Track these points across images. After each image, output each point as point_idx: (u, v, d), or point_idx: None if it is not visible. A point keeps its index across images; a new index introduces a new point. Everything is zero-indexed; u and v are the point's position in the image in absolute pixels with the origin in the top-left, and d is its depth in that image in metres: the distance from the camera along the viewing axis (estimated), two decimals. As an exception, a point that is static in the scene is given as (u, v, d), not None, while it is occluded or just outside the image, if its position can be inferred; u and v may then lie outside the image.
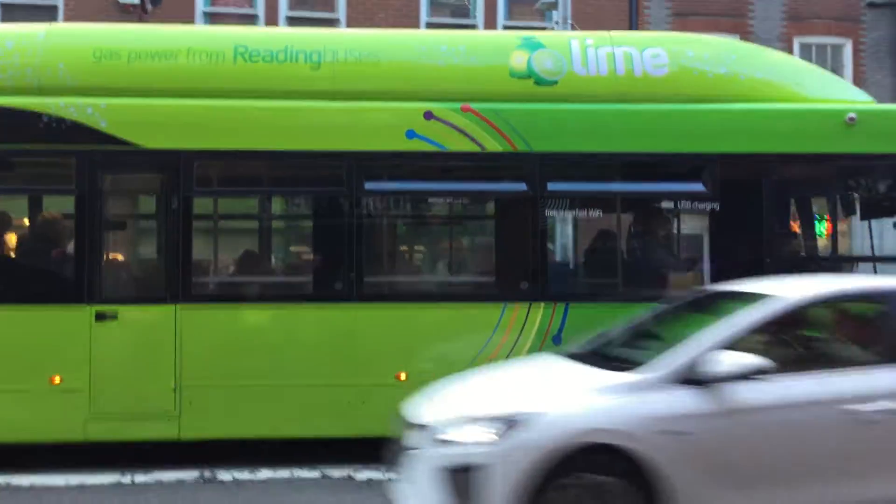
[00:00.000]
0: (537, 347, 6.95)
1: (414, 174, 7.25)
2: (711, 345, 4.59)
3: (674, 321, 5.65)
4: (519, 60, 7.34)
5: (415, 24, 14.16)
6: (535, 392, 4.77)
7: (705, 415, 4.40)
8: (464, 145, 7.02)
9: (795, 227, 7.84)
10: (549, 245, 7.30)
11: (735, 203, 7.17)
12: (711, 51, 7.63)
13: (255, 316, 6.95)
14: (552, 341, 7.00)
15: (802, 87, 7.66)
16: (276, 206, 8.06)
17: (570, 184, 7.27)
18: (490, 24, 14.35)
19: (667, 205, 7.40)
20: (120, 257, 7.44)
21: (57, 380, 6.66)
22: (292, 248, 8.36)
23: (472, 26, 14.33)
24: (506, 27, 14.07)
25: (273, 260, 8.13)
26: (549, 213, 7.22)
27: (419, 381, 6.68)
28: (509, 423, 4.40)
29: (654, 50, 7.49)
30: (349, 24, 13.68)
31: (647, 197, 7.46)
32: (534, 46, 7.43)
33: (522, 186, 7.16)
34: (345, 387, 6.86)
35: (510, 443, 4.35)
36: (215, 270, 7.36)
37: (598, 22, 12.95)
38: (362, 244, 6.98)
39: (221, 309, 6.90)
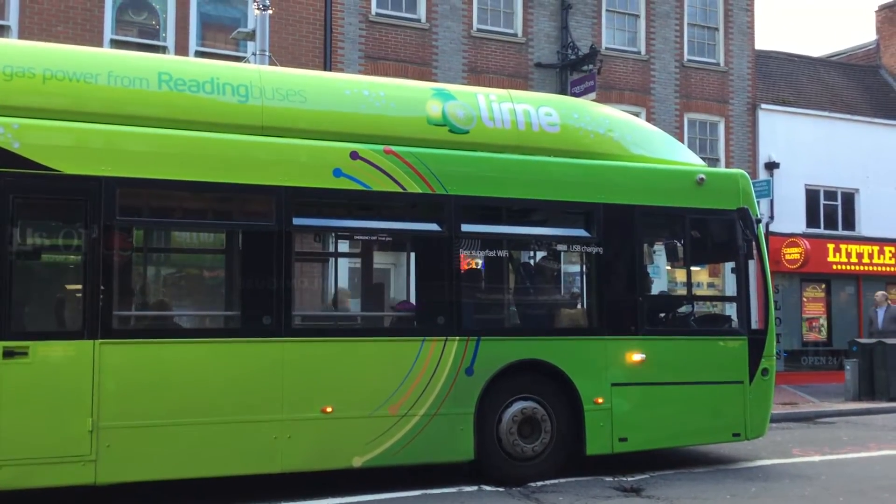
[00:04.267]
0: (452, 379, 7.40)
1: (340, 211, 7.43)
2: None
3: None
4: (435, 109, 7.84)
5: (98, 40, 13.46)
6: None
7: None
8: (387, 185, 7.36)
9: (659, 269, 9.00)
10: (463, 282, 7.77)
11: (613, 246, 8.15)
12: (591, 114, 8.64)
13: (178, 351, 6.71)
14: (465, 373, 7.48)
15: (655, 148, 8.89)
16: (202, 238, 7.80)
17: (480, 226, 7.86)
18: (181, 47, 14.13)
19: (560, 247, 8.23)
20: (34, 289, 6.82)
21: (-44, 424, 5.99)
22: (218, 282, 8.10)
23: (163, 48, 13.98)
24: (198, 53, 14.07)
25: (198, 293, 7.83)
26: (463, 251, 7.73)
27: (345, 413, 6.93)
28: None
29: (546, 108, 8.35)
30: (22, 35, 12.75)
31: (544, 239, 8.24)
32: (446, 97, 7.98)
33: (439, 226, 7.61)
34: (271, 422, 6.83)
35: None
36: (137, 303, 6.98)
37: (294, 57, 14.07)
38: (291, 278, 7.03)
39: (144, 344, 6.60)
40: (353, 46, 15.27)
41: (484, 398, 7.52)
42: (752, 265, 8.76)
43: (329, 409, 6.98)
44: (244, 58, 12.65)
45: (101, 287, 6.44)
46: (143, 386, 6.48)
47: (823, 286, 20.09)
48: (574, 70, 16.95)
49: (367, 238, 7.82)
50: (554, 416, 7.81)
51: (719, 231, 8.84)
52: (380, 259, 8.47)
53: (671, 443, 8.47)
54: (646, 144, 8.83)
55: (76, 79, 6.69)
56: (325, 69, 14.44)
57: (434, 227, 7.63)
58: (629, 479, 7.65)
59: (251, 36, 12.00)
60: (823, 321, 20.22)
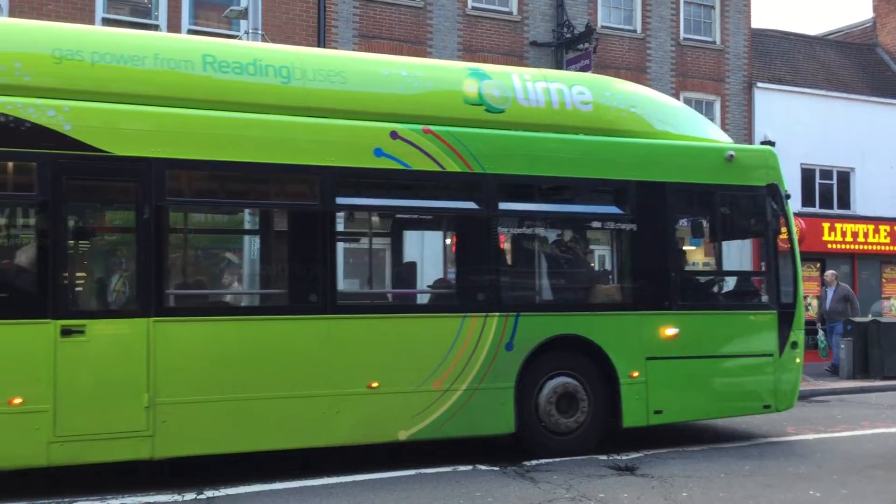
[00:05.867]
0: (492, 354, 7.54)
1: (381, 190, 7.55)
2: None
3: None
4: (471, 89, 7.94)
5: (90, 18, 13.38)
6: None
7: None
8: (426, 164, 7.47)
9: (689, 244, 9.11)
10: (502, 259, 7.89)
11: (646, 223, 8.26)
12: (622, 93, 8.73)
13: (230, 329, 6.84)
14: (505, 348, 7.62)
15: (684, 125, 8.99)
16: (249, 218, 7.91)
17: (517, 203, 7.97)
18: (174, 25, 14.13)
19: (594, 224, 8.35)
20: (88, 269, 6.94)
21: (17, 401, 6.13)
22: (266, 261, 8.21)
23: (155, 26, 13.93)
24: (191, 31, 13.99)
25: (246, 272, 7.95)
26: (500, 229, 7.85)
27: (390, 388, 7.07)
28: None
29: (579, 87, 8.45)
30: (12, 13, 12.64)
31: (579, 217, 8.36)
32: (482, 76, 8.07)
33: (477, 205, 7.72)
34: (320, 397, 6.97)
35: None
36: (189, 282, 7.10)
37: (287, 36, 13.98)
38: (335, 257, 7.15)
39: (196, 322, 6.73)
40: (348, 25, 15.18)
41: (523, 372, 7.66)
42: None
43: (375, 385, 7.12)
44: (237, 36, 12.57)
45: (154, 266, 6.55)
46: (196, 363, 6.61)
47: (818, 265, 20.18)
48: (569, 49, 16.86)
49: (407, 217, 7.94)
50: (590, 391, 7.95)
51: (749, 207, 8.94)
52: (419, 237, 8.58)
53: (704, 415, 8.62)
54: (675, 122, 8.92)
55: (123, 62, 6.78)
56: (318, 47, 14.36)
57: (472, 205, 7.75)
58: (623, 457, 7.66)
59: (243, 14, 11.87)
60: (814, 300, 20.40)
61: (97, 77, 6.65)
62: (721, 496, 6.33)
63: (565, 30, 17.00)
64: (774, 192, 8.78)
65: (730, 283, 9.34)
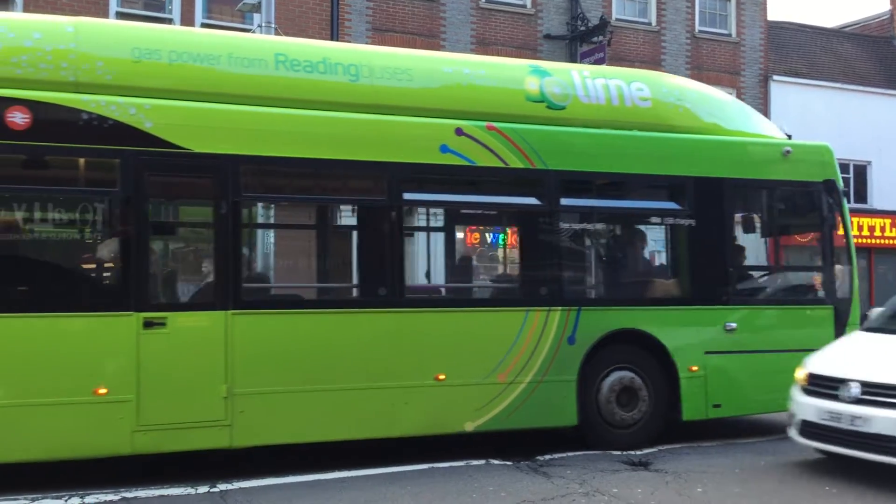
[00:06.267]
0: (555, 348, 7.64)
1: (447, 186, 7.68)
2: None
3: None
4: (532, 86, 8.04)
5: (104, 12, 13.30)
6: None
7: None
8: (489, 161, 7.57)
9: (747, 240, 9.15)
10: (564, 254, 7.99)
11: (705, 218, 8.32)
12: (680, 89, 8.80)
13: (305, 321, 6.99)
14: (567, 342, 7.72)
15: (739, 122, 9.04)
16: (321, 213, 8.07)
17: (578, 199, 8.07)
18: (187, 20, 14.10)
19: (654, 219, 8.43)
20: (169, 263, 7.12)
21: (103, 391, 6.32)
22: (337, 255, 8.36)
23: (168, 20, 13.89)
24: (204, 25, 13.99)
25: (318, 266, 8.11)
26: (562, 225, 7.95)
27: (457, 381, 7.20)
28: None
29: (638, 84, 8.52)
30: (27, 8, 12.72)
31: (639, 212, 8.45)
32: (543, 74, 8.17)
33: (540, 200, 7.83)
34: (389, 389, 7.11)
35: None
36: (264, 276, 7.26)
37: (300, 29, 13.84)
38: (403, 251, 7.28)
39: (272, 315, 6.89)
40: (361, 18, 15.12)
41: (585, 366, 7.76)
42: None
43: (442, 377, 7.25)
44: (250, 30, 12.44)
45: (231, 260, 6.72)
46: (272, 354, 6.76)
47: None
48: (583, 42, 16.70)
49: (471, 212, 8.07)
50: (650, 384, 8.03)
51: (805, 202, 8.98)
52: (482, 232, 8.71)
53: (762, 409, 8.66)
54: (731, 118, 8.97)
55: (199, 61, 6.94)
56: (332, 41, 14.34)
57: (534, 201, 7.86)
58: (637, 452, 7.63)
59: (257, 8, 11.85)
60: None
61: (174, 76, 6.82)
62: (736, 492, 6.32)
63: (579, 22, 16.82)
64: (831, 188, 8.81)
65: (787, 278, 9.38)
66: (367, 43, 14.66)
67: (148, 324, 6.43)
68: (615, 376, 7.90)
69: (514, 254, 7.96)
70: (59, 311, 6.25)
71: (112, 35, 6.88)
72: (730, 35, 18.96)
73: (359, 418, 7.02)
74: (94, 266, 6.64)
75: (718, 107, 9.04)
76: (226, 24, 13.82)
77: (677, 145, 8.31)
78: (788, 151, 8.73)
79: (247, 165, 6.84)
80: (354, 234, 7.42)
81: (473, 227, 8.47)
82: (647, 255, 8.84)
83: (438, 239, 8.52)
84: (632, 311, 8.07)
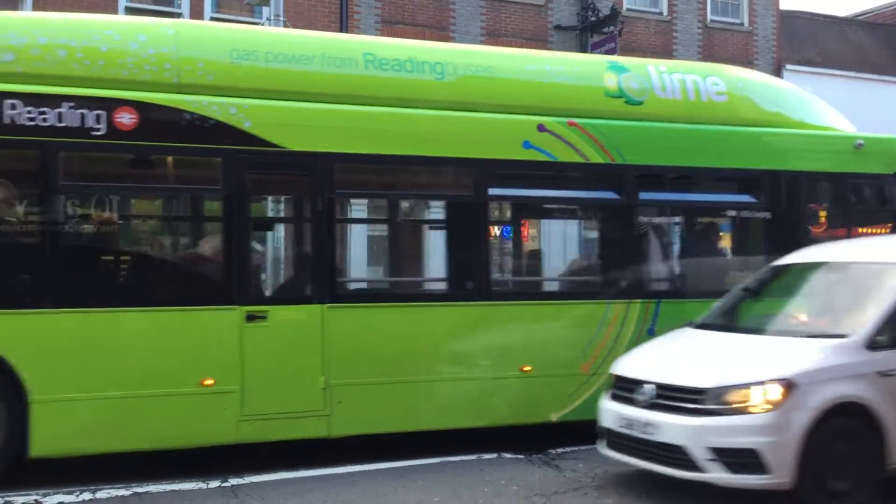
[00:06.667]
0: (635, 340, 7.77)
1: (530, 181, 7.83)
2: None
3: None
4: (611, 82, 8.15)
5: (112, 7, 13.03)
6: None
7: None
8: (571, 156, 7.71)
9: (822, 232, 9.21)
10: (643, 248, 8.13)
11: (780, 211, 8.41)
12: (754, 83, 8.88)
13: (396, 314, 7.18)
14: (647, 334, 7.84)
15: (812, 115, 9.11)
16: (411, 209, 8.27)
17: (656, 193, 8.18)
18: (196, 14, 13.71)
19: (730, 213, 8.54)
20: (269, 258, 7.35)
21: (209, 382, 6.55)
22: (426, 250, 8.57)
23: (178, 14, 13.55)
24: (213, 19, 13.67)
25: (408, 261, 8.31)
26: (641, 219, 8.07)
27: (542, 372, 7.35)
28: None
29: (713, 78, 8.60)
30: (36, 5, 12.39)
31: (716, 206, 8.56)
32: (620, 69, 8.28)
33: (619, 195, 7.95)
34: (477, 380, 7.28)
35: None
36: (358, 271, 7.47)
37: (309, 22, 13.38)
38: (490, 246, 7.45)
39: (365, 308, 7.08)
40: (370, 11, 14.97)
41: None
42: None
43: (528, 369, 7.41)
44: (259, 24, 12.30)
45: (326, 256, 6.92)
46: (366, 347, 6.96)
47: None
48: (594, 32, 16.49)
49: (553, 207, 8.22)
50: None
51: (877, 195, 9.03)
52: (562, 227, 8.86)
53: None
54: (803, 111, 9.04)
55: (294, 62, 7.13)
56: (341, 32, 14.12)
57: (614, 195, 7.98)
58: None
59: (266, 1, 11.81)
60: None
61: (271, 76, 7.01)
62: None
63: (590, 13, 16.63)
64: (902, 180, 8.85)
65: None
66: (376, 34, 14.41)
67: (250, 317, 6.64)
68: None
69: (596, 248, 8.10)
70: (169, 305, 6.48)
71: (211, 37, 7.09)
72: (742, 24, 18.66)
73: (448, 408, 7.20)
74: (200, 262, 6.86)
75: (791, 100, 9.10)
76: (234, 18, 13.61)
77: (754, 139, 8.39)
78: (861, 144, 8.78)
79: (341, 163, 7.03)
80: (442, 229, 7.58)
81: (554, 222, 8.61)
82: (723, 248, 8.92)
83: (521, 233, 8.67)
84: (710, 303, 8.15)
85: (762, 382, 5.36)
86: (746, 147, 8.36)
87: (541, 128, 7.62)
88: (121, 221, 6.73)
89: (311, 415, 6.78)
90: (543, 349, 7.49)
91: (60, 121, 6.25)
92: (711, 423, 5.38)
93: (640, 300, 7.83)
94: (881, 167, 8.89)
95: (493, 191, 7.53)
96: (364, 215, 8.09)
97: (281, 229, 7.59)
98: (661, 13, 17.91)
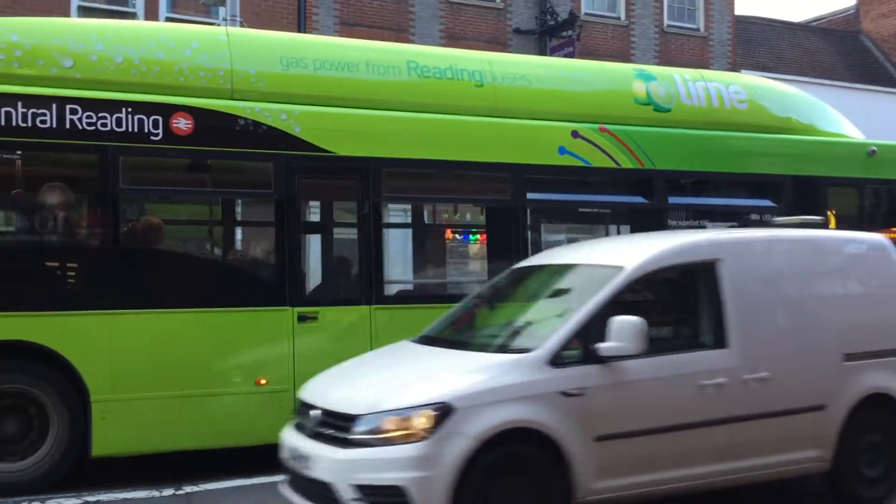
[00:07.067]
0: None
1: (565, 186, 8.05)
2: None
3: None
4: (640, 89, 8.41)
5: (65, 6, 12.80)
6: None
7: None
8: (603, 161, 7.94)
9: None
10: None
11: (796, 215, 8.67)
12: (772, 91, 9.19)
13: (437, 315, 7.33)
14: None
15: (826, 121, 9.43)
16: (451, 213, 8.45)
17: (684, 198, 8.45)
18: (151, 13, 13.62)
19: (753, 217, 8.80)
20: (319, 261, 7.49)
21: (263, 381, 6.68)
22: (467, 252, 8.74)
23: (132, 14, 13.48)
24: (169, 19, 13.62)
25: (450, 263, 8.48)
26: (670, 222, 8.32)
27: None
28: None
29: (735, 87, 8.90)
30: None
31: (740, 210, 8.82)
32: (648, 77, 8.54)
33: (649, 199, 8.20)
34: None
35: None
36: (404, 273, 7.63)
37: (266, 23, 13.17)
38: (527, 249, 7.65)
39: (410, 309, 7.24)
40: (328, 12, 14.88)
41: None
42: None
43: None
44: (215, 23, 12.05)
45: (374, 258, 7.08)
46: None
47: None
48: (553, 36, 16.60)
49: (587, 210, 8.44)
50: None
51: (890, 200, 9.36)
52: (592, 230, 9.09)
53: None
54: (818, 118, 9.37)
55: (340, 70, 7.30)
56: (299, 33, 13.87)
57: (645, 200, 8.23)
58: None
59: (222, 2, 11.67)
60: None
61: (319, 83, 7.18)
62: None
63: (549, 17, 16.71)
64: (914, 186, 9.18)
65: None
66: (335, 36, 14.19)
67: (302, 318, 6.79)
68: None
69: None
70: (226, 306, 6.60)
71: (261, 44, 7.24)
72: (698, 30, 18.84)
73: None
74: (254, 264, 6.99)
75: (808, 108, 9.42)
76: (190, 19, 13.22)
77: (776, 145, 8.69)
78: (874, 151, 9.11)
79: (387, 168, 7.20)
80: (484, 232, 7.77)
81: (586, 225, 8.84)
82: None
83: (554, 237, 8.90)
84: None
85: (414, 408, 4.48)
86: (769, 153, 8.67)
87: (575, 134, 7.85)
88: (177, 225, 6.84)
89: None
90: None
91: (119, 126, 6.37)
92: (359, 456, 4.48)
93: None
94: (892, 173, 9.22)
95: (531, 195, 7.73)
96: (410, 219, 8.26)
97: (330, 233, 7.73)
98: (618, 18, 17.99)
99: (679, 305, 5.68)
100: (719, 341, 5.22)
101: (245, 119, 6.74)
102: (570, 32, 16.30)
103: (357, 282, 7.14)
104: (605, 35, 17.70)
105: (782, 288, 5.55)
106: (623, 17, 18.03)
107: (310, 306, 6.86)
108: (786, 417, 5.31)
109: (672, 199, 8.28)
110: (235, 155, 6.80)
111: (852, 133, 9.70)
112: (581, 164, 7.87)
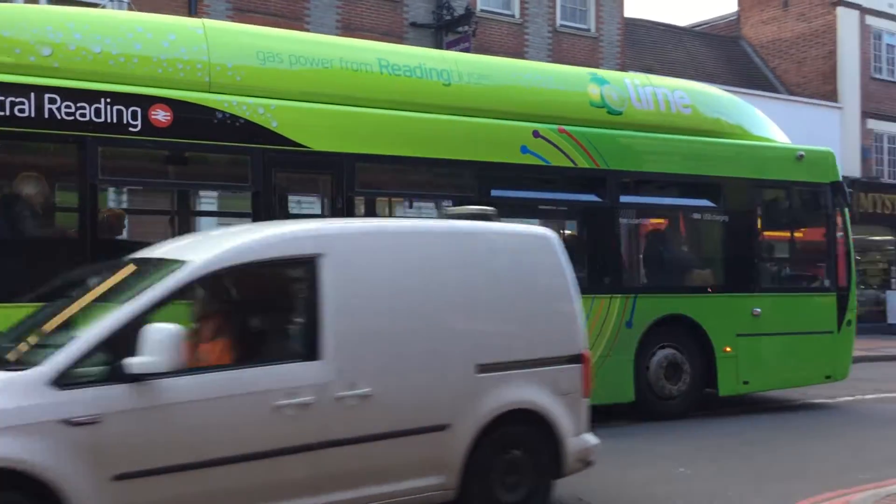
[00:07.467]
0: (616, 332, 8.49)
1: (527, 183, 8.38)
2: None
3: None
4: (594, 92, 8.82)
5: None
6: None
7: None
8: (561, 161, 8.32)
9: (770, 234, 10.19)
10: (623, 247, 8.84)
11: (736, 215, 9.32)
12: (711, 96, 9.77)
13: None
14: (626, 326, 8.57)
15: (757, 126, 10.09)
16: (420, 208, 8.62)
17: (634, 196, 8.92)
18: None
19: (695, 215, 9.38)
20: None
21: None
22: None
23: None
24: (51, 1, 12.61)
25: None
26: (621, 220, 8.78)
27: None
28: None
29: (680, 92, 9.42)
30: None
31: (684, 209, 9.37)
32: (601, 81, 8.96)
33: (603, 198, 8.63)
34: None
35: None
36: None
37: (155, 7, 11.91)
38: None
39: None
40: None
41: (639, 348, 8.63)
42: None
43: None
44: (99, 5, 11.34)
45: None
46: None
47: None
48: (449, 31, 16.75)
49: (545, 208, 8.80)
50: (690, 363, 8.96)
51: (815, 201, 10.08)
52: (551, 227, 9.43)
53: (780, 385, 9.77)
54: (754, 124, 10.01)
55: (315, 65, 7.40)
56: (189, 18, 12.79)
57: (599, 198, 8.65)
58: None
59: None
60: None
61: (295, 78, 7.26)
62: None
63: (445, 12, 16.84)
64: (837, 188, 9.93)
65: (799, 269, 10.50)
66: (228, 20, 13.82)
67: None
68: (663, 353, 8.79)
69: (580, 246, 8.72)
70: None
71: (238, 37, 7.26)
72: (589, 30, 19.28)
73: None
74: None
75: (744, 114, 10.05)
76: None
77: (717, 149, 9.26)
78: (802, 155, 9.81)
79: (360, 163, 7.36)
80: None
81: (543, 222, 9.18)
82: (690, 247, 9.78)
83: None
84: (678, 298, 8.99)
85: None
86: (710, 156, 9.23)
87: (536, 134, 8.19)
88: (153, 216, 6.82)
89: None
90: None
91: (98, 116, 6.33)
92: None
93: (620, 295, 8.53)
94: (819, 176, 9.95)
95: (495, 192, 8.01)
96: (381, 212, 8.42)
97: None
98: (513, 16, 18.23)
99: (267, 309, 4.75)
100: (311, 352, 4.32)
101: (223, 112, 6.79)
102: (465, 28, 16.42)
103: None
104: (500, 32, 17.92)
105: (402, 289, 4.69)
106: (517, 14, 18.29)
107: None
108: (394, 440, 4.49)
109: (623, 198, 8.73)
110: (213, 148, 6.84)
111: (777, 135, 10.39)
112: (542, 162, 8.22)
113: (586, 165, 8.46)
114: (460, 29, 16.46)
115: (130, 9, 10.62)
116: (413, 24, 16.67)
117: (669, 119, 9.21)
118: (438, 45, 16.19)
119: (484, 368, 4.82)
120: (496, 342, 4.98)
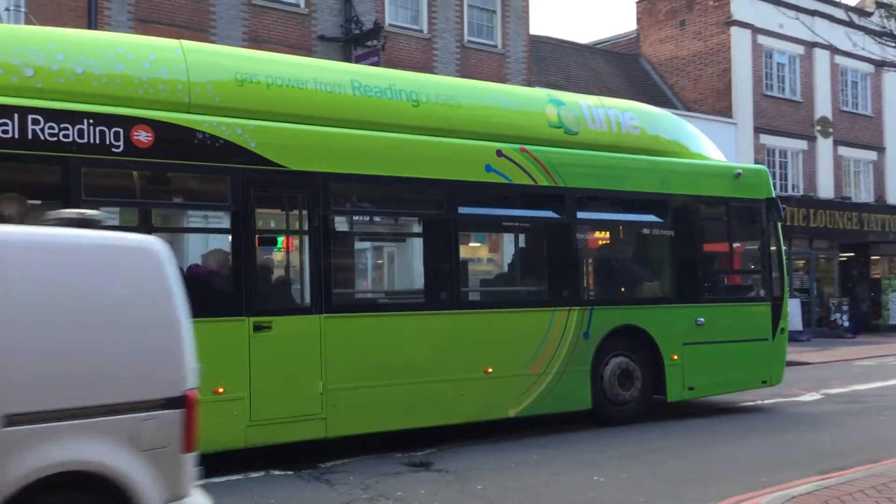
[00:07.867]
0: (574, 342, 8.90)
1: (491, 201, 8.70)
2: None
3: None
4: (552, 113, 9.22)
5: None
6: None
7: None
8: (523, 179, 8.69)
9: (711, 247, 10.78)
10: (580, 261, 9.25)
11: (680, 229, 9.86)
12: (656, 116, 10.31)
13: (383, 323, 7.79)
14: (583, 337, 8.99)
15: (698, 146, 10.69)
16: (394, 225, 8.80)
17: (589, 213, 9.36)
18: None
19: (645, 230, 9.88)
20: (272, 271, 7.64)
21: (220, 390, 6.87)
22: (407, 263, 9.08)
23: None
24: None
25: (394, 273, 8.81)
26: (578, 235, 9.20)
27: (501, 373, 8.30)
28: None
29: (630, 113, 9.92)
30: None
31: (635, 224, 9.84)
32: (558, 103, 9.37)
33: (561, 214, 9.02)
34: (448, 382, 8.08)
35: None
36: (350, 283, 7.96)
37: (54, 17, 12.48)
38: (460, 260, 8.25)
39: (357, 318, 7.64)
40: (122, 7, 14.36)
41: (595, 357, 9.07)
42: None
43: (490, 370, 8.30)
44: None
45: (323, 269, 7.42)
46: (356, 353, 7.54)
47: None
48: (358, 45, 16.85)
49: (508, 224, 9.14)
50: (641, 370, 9.45)
51: (751, 216, 10.74)
52: (510, 241, 9.79)
53: (721, 390, 10.36)
54: (695, 143, 10.60)
55: (291, 85, 7.55)
56: (90, 30, 13.10)
57: (557, 215, 9.04)
58: (418, 453, 7.66)
59: None
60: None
61: (271, 98, 7.40)
62: (513, 486, 6.53)
63: (353, 26, 16.93)
64: (771, 204, 10.61)
65: (738, 280, 11.15)
66: (131, 31, 13.78)
67: (257, 327, 7.04)
68: (616, 361, 9.25)
69: (541, 261, 9.09)
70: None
71: (216, 58, 7.35)
72: (496, 46, 19.59)
73: (423, 408, 7.92)
74: (212, 276, 7.11)
75: (685, 134, 10.63)
76: None
77: (665, 167, 9.78)
78: (739, 174, 10.45)
79: (335, 182, 7.55)
80: (421, 244, 8.27)
81: (506, 237, 9.53)
82: (641, 261, 10.27)
83: (477, 249, 9.53)
84: (631, 309, 9.48)
85: None
86: (657, 173, 9.74)
87: (499, 153, 8.54)
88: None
89: (310, 418, 7.27)
90: (502, 352, 8.42)
91: (81, 137, 6.35)
92: None
93: (578, 307, 8.94)
94: (755, 193, 10.61)
95: (462, 210, 8.34)
96: (355, 231, 8.59)
97: (283, 244, 7.94)
98: (421, 31, 18.37)
99: None
100: None
101: (203, 133, 6.88)
102: (374, 42, 16.44)
103: (308, 292, 7.45)
104: (409, 47, 18.01)
105: None
106: (426, 30, 18.36)
107: (265, 316, 7.10)
108: None
109: (580, 215, 9.15)
110: (193, 168, 6.93)
111: (712, 152, 11.01)
112: (504, 181, 8.56)
113: (546, 183, 8.84)
114: (369, 43, 16.43)
115: (29, 21, 10.41)
116: (321, 38, 16.58)
117: (619, 139, 9.69)
118: (347, 59, 16.15)
119: (14, 420, 3.64)
120: (39, 385, 3.76)
